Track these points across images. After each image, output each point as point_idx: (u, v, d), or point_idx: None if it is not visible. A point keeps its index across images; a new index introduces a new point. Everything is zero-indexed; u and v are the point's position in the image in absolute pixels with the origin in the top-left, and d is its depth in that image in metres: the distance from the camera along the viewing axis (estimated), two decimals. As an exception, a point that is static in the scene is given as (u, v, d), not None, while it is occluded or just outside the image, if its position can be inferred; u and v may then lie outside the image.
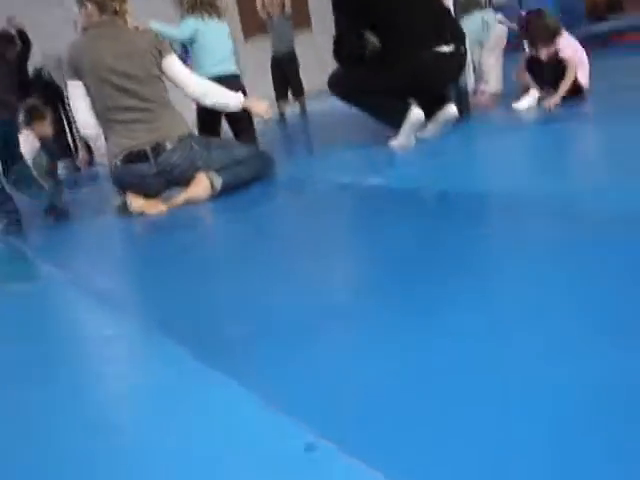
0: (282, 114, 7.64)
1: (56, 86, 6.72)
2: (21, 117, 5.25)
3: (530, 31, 4.72)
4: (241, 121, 4.45)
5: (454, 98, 4.12)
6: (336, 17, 4.00)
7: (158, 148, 3.50)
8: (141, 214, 3.48)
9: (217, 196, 3.50)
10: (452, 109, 3.98)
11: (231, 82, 4.17)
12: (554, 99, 4.48)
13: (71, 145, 7.26)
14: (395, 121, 3.92)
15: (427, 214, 2.46)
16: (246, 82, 8.55)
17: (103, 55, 3.49)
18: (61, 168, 6.49)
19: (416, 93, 3.97)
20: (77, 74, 3.53)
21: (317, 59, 9.34)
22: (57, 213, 3.84)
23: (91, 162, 6.82)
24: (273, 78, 7.67)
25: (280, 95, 7.67)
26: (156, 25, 4.21)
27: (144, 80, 3.52)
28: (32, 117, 5.34)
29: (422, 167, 3.36)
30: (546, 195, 2.33)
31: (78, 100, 3.58)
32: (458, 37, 4.03)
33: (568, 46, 4.63)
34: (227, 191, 3.50)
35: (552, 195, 2.32)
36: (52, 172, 5.72)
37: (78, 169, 6.98)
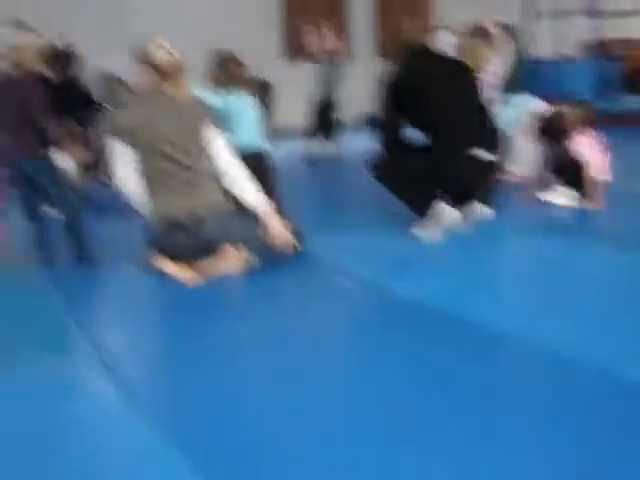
0: (314, 154, 7.93)
1: (96, 103, 6.81)
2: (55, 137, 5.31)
3: (546, 128, 4.87)
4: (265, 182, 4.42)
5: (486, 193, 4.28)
6: (383, 104, 4.16)
7: (196, 218, 3.63)
8: (174, 279, 3.62)
9: (246, 270, 3.66)
10: (482, 208, 4.13)
11: (259, 158, 4.21)
12: (594, 203, 4.60)
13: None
14: (424, 211, 4.09)
15: (435, 342, 2.62)
16: (283, 96, 8.71)
17: (154, 124, 3.62)
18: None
19: (449, 190, 4.13)
20: (124, 137, 3.65)
21: (357, 88, 9.47)
22: (85, 257, 3.97)
23: None
24: (314, 120, 7.94)
25: (317, 135, 7.98)
26: (198, 91, 4.21)
27: (190, 151, 3.66)
28: (68, 141, 5.45)
29: (437, 274, 3.51)
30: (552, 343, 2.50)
31: (120, 158, 3.69)
32: (495, 140, 4.20)
33: (584, 144, 4.73)
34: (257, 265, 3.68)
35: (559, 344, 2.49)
36: (83, 193, 5.83)
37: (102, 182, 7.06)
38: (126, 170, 3.70)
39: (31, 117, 3.86)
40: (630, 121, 9.71)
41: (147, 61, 3.69)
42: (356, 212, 5.03)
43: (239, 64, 4.47)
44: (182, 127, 3.65)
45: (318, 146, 7.99)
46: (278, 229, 3.75)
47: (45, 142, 3.96)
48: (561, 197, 4.83)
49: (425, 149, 4.09)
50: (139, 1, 9.91)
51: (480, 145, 4.09)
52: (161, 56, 3.66)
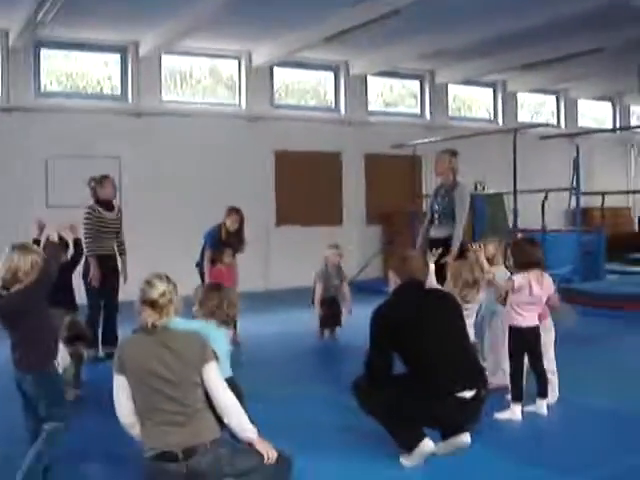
0: (323, 334, 9.16)
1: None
2: (62, 334, 5.45)
3: None
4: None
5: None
6: (371, 339, 4.40)
7: (189, 452, 3.72)
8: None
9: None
10: (466, 439, 4.28)
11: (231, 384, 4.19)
12: None
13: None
14: (408, 445, 4.26)
15: None
16: (273, 260, 9.14)
17: (148, 358, 3.77)
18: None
19: (434, 425, 4.34)
20: (122, 369, 3.82)
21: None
22: None
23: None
24: (321, 313, 9.04)
25: (325, 326, 9.12)
26: (179, 322, 4.10)
27: (183, 386, 3.77)
28: (74, 338, 5.63)
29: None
30: None
31: (119, 392, 3.84)
32: (480, 379, 4.41)
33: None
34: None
35: None
36: (77, 379, 5.93)
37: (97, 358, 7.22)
38: (124, 405, 3.83)
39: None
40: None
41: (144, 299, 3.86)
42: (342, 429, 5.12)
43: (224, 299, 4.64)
44: (176, 364, 3.76)
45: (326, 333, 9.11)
46: (270, 451, 3.85)
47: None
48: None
49: (410, 381, 4.31)
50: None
51: (466, 383, 4.29)
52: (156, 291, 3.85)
